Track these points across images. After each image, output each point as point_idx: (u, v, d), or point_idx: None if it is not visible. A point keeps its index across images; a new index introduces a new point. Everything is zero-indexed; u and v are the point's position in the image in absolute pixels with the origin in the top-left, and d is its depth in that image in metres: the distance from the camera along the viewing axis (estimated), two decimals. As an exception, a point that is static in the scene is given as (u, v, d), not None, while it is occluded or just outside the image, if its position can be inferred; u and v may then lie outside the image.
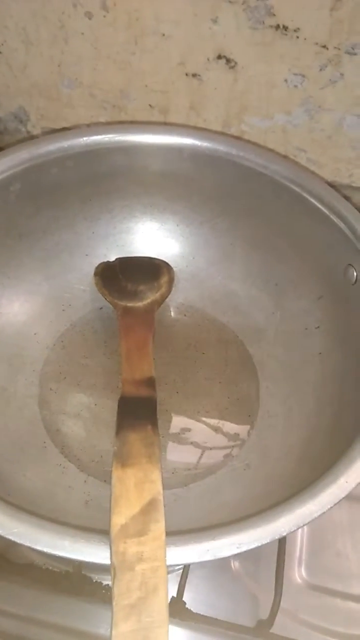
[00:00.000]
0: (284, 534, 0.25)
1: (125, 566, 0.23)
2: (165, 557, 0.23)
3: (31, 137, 0.55)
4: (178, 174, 0.45)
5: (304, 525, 0.25)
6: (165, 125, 0.45)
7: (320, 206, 0.40)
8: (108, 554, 0.24)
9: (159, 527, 0.24)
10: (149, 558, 0.23)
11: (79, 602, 0.36)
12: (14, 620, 0.36)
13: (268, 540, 0.24)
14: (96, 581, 0.36)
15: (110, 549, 0.24)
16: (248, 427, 0.40)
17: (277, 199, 0.42)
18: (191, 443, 0.39)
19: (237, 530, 0.25)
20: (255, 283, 0.46)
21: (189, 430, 0.40)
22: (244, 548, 0.24)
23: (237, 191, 0.44)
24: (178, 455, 0.38)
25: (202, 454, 0.39)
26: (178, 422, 0.40)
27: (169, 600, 0.34)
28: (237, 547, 0.24)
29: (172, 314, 0.47)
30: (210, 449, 0.39)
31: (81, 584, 0.36)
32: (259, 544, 0.24)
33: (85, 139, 0.43)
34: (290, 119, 0.49)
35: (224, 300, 0.47)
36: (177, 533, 0.25)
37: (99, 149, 0.43)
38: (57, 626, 0.35)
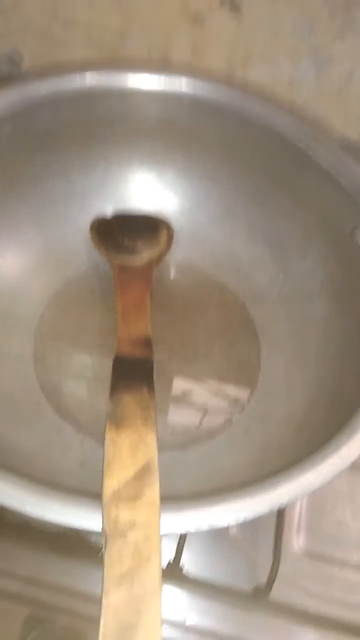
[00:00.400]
0: (284, 504, 0.23)
1: (117, 533, 0.22)
2: (159, 524, 0.22)
3: (24, 80, 0.52)
4: (178, 122, 0.42)
5: (304, 495, 0.23)
6: (165, 71, 0.42)
7: (325, 165, 0.38)
8: (99, 520, 0.23)
9: (153, 491, 0.23)
10: (142, 525, 0.22)
11: (75, 563, 0.35)
12: (10, 579, 0.35)
13: (267, 510, 0.23)
14: (94, 542, 0.36)
15: (102, 514, 0.23)
16: (248, 392, 0.39)
17: (281, 154, 0.40)
18: (191, 406, 0.38)
19: (236, 498, 0.24)
20: (258, 242, 0.44)
21: (188, 393, 0.39)
22: (242, 518, 0.23)
23: (240, 144, 0.42)
24: (177, 418, 0.37)
25: (202, 418, 0.37)
26: (177, 384, 0.39)
27: (165, 565, 0.34)
28: (235, 517, 0.23)
29: (171, 273, 0.45)
30: (210, 412, 0.38)
31: (78, 544, 0.36)
32: (258, 514, 0.23)
33: (79, 81, 0.40)
34: (297, 71, 0.46)
35: (225, 260, 0.45)
36: (173, 499, 0.24)
37: (94, 93, 0.40)
38: (55, 586, 0.34)
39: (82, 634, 0.33)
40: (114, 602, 0.20)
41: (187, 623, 0.33)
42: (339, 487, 0.38)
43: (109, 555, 0.21)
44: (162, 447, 0.34)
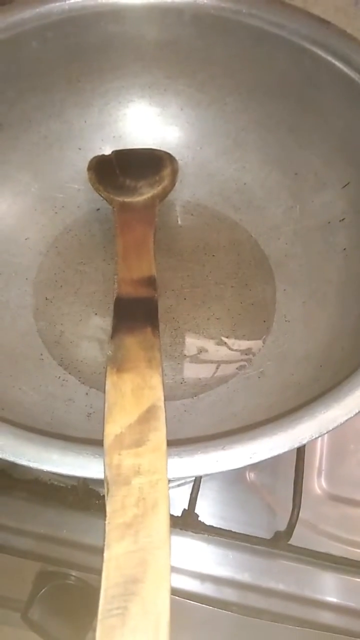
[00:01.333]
0: (304, 441, 0.21)
1: (121, 480, 0.20)
2: (166, 469, 0.20)
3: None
4: (179, 43, 0.38)
5: (327, 432, 0.21)
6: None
7: (350, 72, 0.33)
8: (101, 467, 0.21)
9: (158, 436, 0.21)
10: (148, 471, 0.20)
11: (86, 516, 0.35)
12: (22, 536, 0.35)
13: (286, 449, 0.21)
14: (103, 495, 0.35)
15: (104, 461, 0.21)
16: (263, 334, 0.36)
17: (296, 66, 0.36)
18: (202, 356, 0.36)
19: (251, 438, 0.22)
20: (271, 173, 0.40)
21: (198, 337, 0.36)
22: (257, 458, 0.21)
23: (249, 61, 0.38)
24: (190, 370, 0.35)
25: (215, 367, 0.35)
26: (187, 328, 0.37)
27: (180, 513, 0.32)
28: (250, 457, 0.21)
29: (178, 214, 0.42)
30: (223, 359, 0.35)
31: (88, 497, 0.35)
32: (275, 453, 0.21)
33: (67, 1, 0.36)
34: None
35: (236, 195, 0.41)
36: (181, 443, 0.22)
37: (84, 15, 0.37)
38: (65, 541, 0.34)
39: (93, 587, 0.32)
40: (116, 554, 0.18)
41: (205, 572, 0.32)
42: (358, 427, 0.36)
43: (112, 504, 0.19)
44: (172, 396, 0.33)
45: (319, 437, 0.21)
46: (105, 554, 0.18)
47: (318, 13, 0.42)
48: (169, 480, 0.21)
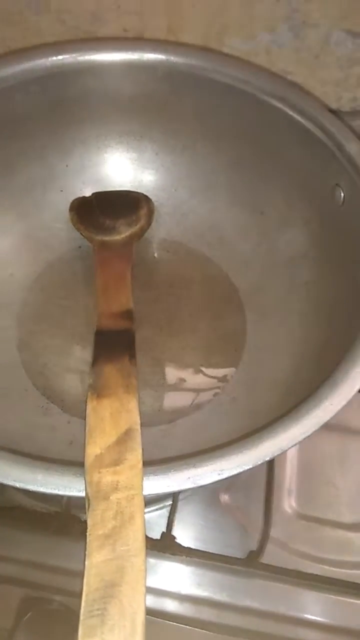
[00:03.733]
0: (267, 458, 0.23)
1: (100, 496, 0.22)
2: (141, 485, 0.22)
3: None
4: (154, 96, 0.42)
5: (287, 449, 0.23)
6: (136, 41, 0.41)
7: (304, 122, 0.37)
8: (83, 486, 0.22)
9: (135, 455, 0.23)
10: (125, 487, 0.22)
11: (68, 542, 0.35)
12: (6, 562, 0.35)
13: (251, 466, 0.23)
14: (85, 520, 0.36)
15: (85, 479, 0.22)
16: (235, 362, 0.38)
17: (261, 117, 0.39)
18: (180, 380, 0.38)
19: (219, 456, 0.24)
20: (240, 212, 0.43)
21: (175, 366, 0.38)
22: (225, 474, 0.23)
23: (218, 111, 0.41)
24: (168, 395, 0.37)
25: (191, 392, 0.37)
26: (162, 358, 0.39)
27: (159, 536, 0.34)
28: (219, 474, 0.23)
29: (155, 250, 0.45)
30: (199, 385, 0.38)
31: (70, 523, 0.36)
32: (241, 470, 0.23)
33: (50, 59, 0.39)
34: (274, 38, 0.45)
35: (208, 233, 0.45)
36: (156, 462, 0.24)
37: (65, 71, 0.40)
38: (49, 567, 0.35)
39: (77, 612, 0.33)
40: (96, 562, 0.20)
41: (183, 592, 0.33)
42: (328, 449, 0.38)
43: (92, 518, 0.21)
44: (150, 422, 0.35)
45: (280, 453, 0.24)
46: (86, 562, 0.20)
47: (282, 66, 0.47)
48: (147, 498, 0.23)
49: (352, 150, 0.35)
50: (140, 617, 0.19)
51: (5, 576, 0.35)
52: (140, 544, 0.20)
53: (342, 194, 0.35)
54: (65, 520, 0.35)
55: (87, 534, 0.21)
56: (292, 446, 0.24)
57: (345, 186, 0.35)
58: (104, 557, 0.20)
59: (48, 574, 0.34)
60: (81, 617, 0.18)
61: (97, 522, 0.21)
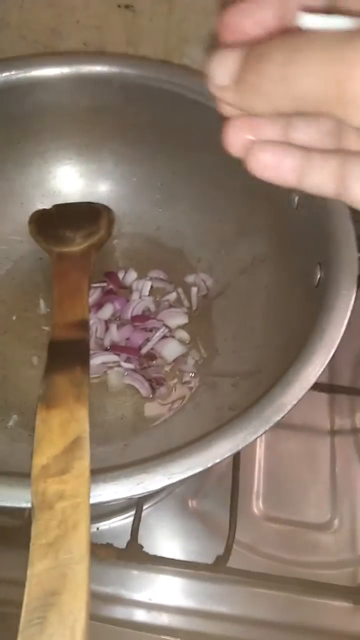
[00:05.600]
0: (217, 460, 0.23)
1: (45, 505, 0.21)
2: (88, 493, 0.22)
3: None
4: (110, 108, 0.42)
5: (239, 449, 0.23)
6: (89, 55, 0.42)
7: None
8: (30, 498, 0.22)
9: (82, 464, 0.23)
10: (70, 495, 0.22)
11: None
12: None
13: (201, 469, 0.23)
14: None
15: (31, 490, 0.22)
16: (199, 366, 0.39)
17: (214, 126, 0.39)
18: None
19: (169, 461, 0.24)
20: (200, 221, 0.44)
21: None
22: (175, 478, 0.23)
23: (173, 122, 0.42)
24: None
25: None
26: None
27: (125, 545, 0.33)
28: (169, 478, 0.23)
29: (118, 259, 0.45)
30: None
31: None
32: (191, 473, 0.23)
33: (3, 74, 0.39)
34: (232, 48, 0.46)
35: (171, 242, 0.45)
36: (106, 470, 0.24)
37: (19, 86, 0.40)
38: (9, 580, 0.34)
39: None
40: (38, 571, 0.20)
41: (151, 601, 0.33)
42: (295, 450, 0.38)
43: (36, 527, 0.21)
44: (114, 436, 0.35)
45: (230, 455, 0.24)
46: (28, 572, 0.20)
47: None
48: (110, 508, 0.23)
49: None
50: (81, 624, 0.18)
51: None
52: (83, 552, 0.20)
53: (296, 198, 0.36)
54: (29, 534, 0.35)
55: (31, 543, 0.20)
56: (244, 446, 0.24)
57: (298, 190, 0.35)
58: (46, 566, 0.20)
59: (14, 589, 0.33)
60: (21, 627, 0.18)
61: (41, 531, 0.21)
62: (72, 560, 0.20)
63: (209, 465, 0.24)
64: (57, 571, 0.20)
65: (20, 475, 0.24)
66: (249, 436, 0.24)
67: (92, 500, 0.23)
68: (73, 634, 0.18)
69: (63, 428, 0.25)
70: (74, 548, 0.20)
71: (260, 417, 0.25)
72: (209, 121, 0.40)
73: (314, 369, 0.27)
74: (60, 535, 0.20)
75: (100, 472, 0.24)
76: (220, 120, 0.38)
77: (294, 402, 0.26)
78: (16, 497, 0.23)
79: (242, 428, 0.25)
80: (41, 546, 0.20)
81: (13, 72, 0.39)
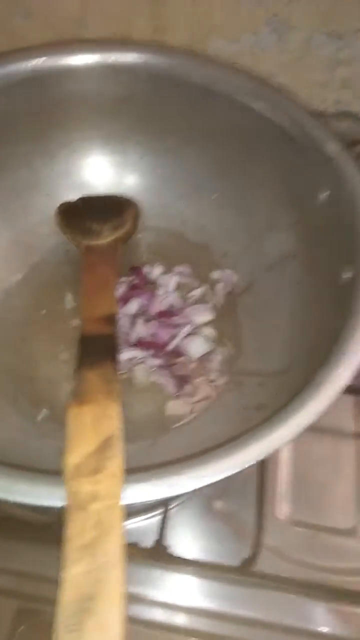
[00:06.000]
0: (251, 462, 0.23)
1: (79, 506, 0.21)
2: (121, 494, 0.22)
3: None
4: (136, 98, 0.41)
5: (271, 453, 0.23)
6: (117, 43, 0.41)
7: (285, 123, 0.37)
8: (64, 496, 0.22)
9: (115, 463, 0.23)
10: (105, 496, 0.21)
11: (60, 552, 0.35)
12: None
13: (233, 471, 0.23)
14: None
15: (65, 489, 0.22)
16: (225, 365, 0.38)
17: (244, 121, 0.39)
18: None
19: (201, 463, 0.23)
20: (228, 214, 0.43)
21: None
22: (207, 481, 0.22)
23: (202, 115, 0.41)
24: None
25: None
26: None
27: (151, 545, 0.33)
28: (201, 480, 0.22)
29: (144, 254, 0.44)
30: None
31: (61, 534, 0.35)
32: (223, 476, 0.22)
33: (31, 62, 0.39)
34: (258, 41, 0.45)
35: (196, 236, 0.44)
36: (138, 470, 0.23)
37: (46, 74, 0.39)
38: (42, 577, 0.34)
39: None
40: (73, 575, 0.19)
41: (176, 603, 0.33)
42: (321, 453, 0.37)
43: (70, 529, 0.20)
44: (140, 433, 0.34)
45: (265, 457, 0.23)
46: (63, 575, 0.19)
47: (267, 68, 0.47)
48: (135, 507, 0.22)
49: (332, 151, 0.35)
50: (118, 630, 0.18)
51: (-1, 588, 0.34)
52: (119, 555, 0.20)
53: (324, 194, 0.35)
54: (59, 530, 0.34)
55: (65, 545, 0.20)
56: (277, 449, 0.23)
57: (328, 186, 0.35)
58: (82, 569, 0.19)
59: (42, 585, 0.33)
60: (57, 633, 0.18)
61: (76, 533, 0.20)
62: (108, 564, 0.19)
63: (241, 468, 0.23)
64: (93, 575, 0.19)
65: (53, 472, 0.24)
66: (282, 439, 0.24)
67: (124, 502, 0.22)
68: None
69: (96, 425, 0.24)
70: (109, 551, 0.20)
71: (292, 420, 0.24)
72: (237, 113, 0.39)
73: (345, 370, 0.27)
74: (96, 537, 0.20)
75: (131, 472, 0.24)
76: (249, 115, 0.38)
77: (326, 404, 0.26)
78: (50, 496, 0.22)
79: (274, 430, 0.24)
80: (77, 548, 0.20)
81: (41, 60, 0.39)
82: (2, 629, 0.33)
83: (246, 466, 0.22)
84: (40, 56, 0.39)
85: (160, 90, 0.40)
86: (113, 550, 0.20)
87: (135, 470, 0.24)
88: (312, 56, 0.46)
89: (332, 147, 0.34)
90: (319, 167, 0.34)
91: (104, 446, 0.23)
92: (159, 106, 0.41)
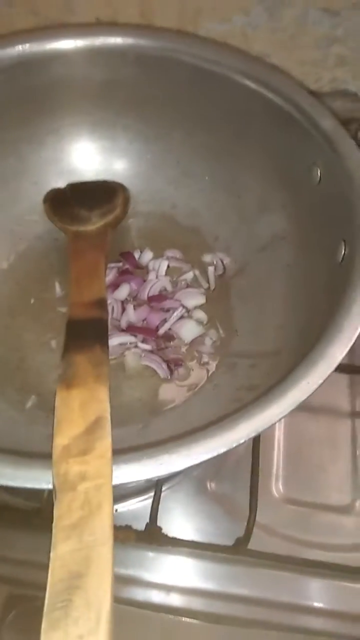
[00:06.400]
0: (241, 441, 0.23)
1: (67, 486, 0.21)
2: (110, 474, 0.21)
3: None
4: (125, 82, 0.41)
5: (263, 431, 0.23)
6: (104, 26, 0.40)
7: (279, 101, 0.36)
8: (51, 479, 0.22)
9: (104, 444, 0.23)
10: (93, 476, 0.21)
11: (50, 538, 0.35)
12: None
13: (224, 449, 0.23)
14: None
15: (52, 471, 0.22)
16: (217, 347, 0.38)
17: (236, 100, 0.38)
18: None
19: (192, 441, 0.23)
20: (218, 199, 0.43)
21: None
22: (198, 459, 0.22)
23: (190, 96, 0.40)
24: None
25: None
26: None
27: (144, 527, 0.33)
28: (192, 459, 0.22)
29: (134, 239, 0.44)
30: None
31: (51, 519, 0.35)
32: (215, 454, 0.22)
33: (16, 47, 0.38)
34: (249, 20, 0.44)
35: (187, 220, 0.44)
36: (128, 450, 0.23)
37: (33, 59, 0.39)
38: (32, 562, 0.34)
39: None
40: (62, 553, 0.19)
41: (170, 583, 0.33)
42: (316, 432, 0.37)
43: (58, 509, 0.20)
44: (131, 418, 0.34)
45: (255, 435, 0.23)
46: (51, 554, 0.19)
47: (259, 48, 0.46)
48: (128, 489, 0.22)
49: (327, 127, 0.34)
50: (106, 607, 0.18)
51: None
52: (107, 533, 0.20)
53: (319, 172, 0.34)
54: (48, 516, 0.34)
55: (53, 525, 0.20)
56: (268, 427, 0.23)
57: (322, 164, 0.34)
58: (70, 548, 0.19)
59: (32, 571, 0.34)
60: (45, 610, 0.18)
61: (63, 512, 0.20)
62: (97, 542, 0.19)
63: (233, 446, 0.23)
64: (81, 553, 0.19)
65: (41, 456, 0.24)
66: (274, 417, 0.24)
67: (114, 481, 0.22)
68: (98, 617, 0.18)
69: (84, 408, 0.24)
70: (97, 529, 0.20)
71: (284, 397, 0.24)
72: (229, 93, 0.38)
73: (339, 347, 0.26)
74: (83, 516, 0.20)
75: (121, 452, 0.24)
76: (241, 94, 0.37)
77: (320, 382, 0.25)
78: (37, 479, 0.22)
79: (266, 408, 0.24)
80: (64, 528, 0.20)
81: (27, 45, 0.38)
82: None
83: (237, 444, 0.22)
84: (26, 42, 0.38)
85: (149, 73, 0.40)
86: (101, 529, 0.20)
87: (126, 451, 0.24)
88: (306, 34, 0.45)
89: (328, 123, 0.33)
90: (314, 144, 0.34)
91: (93, 428, 0.23)
92: (148, 89, 0.41)
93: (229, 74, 0.38)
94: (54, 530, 0.20)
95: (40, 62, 0.39)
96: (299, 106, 0.35)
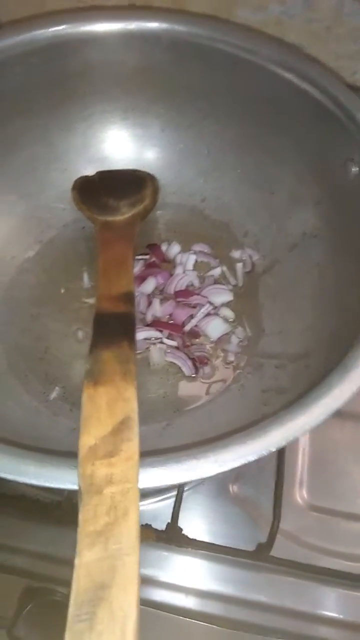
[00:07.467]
0: (273, 449, 0.22)
1: (93, 490, 0.20)
2: (137, 478, 0.21)
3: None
4: (158, 68, 0.40)
5: (294, 439, 0.22)
6: (138, 9, 0.39)
7: (315, 93, 0.35)
8: (77, 479, 0.21)
9: (131, 446, 0.22)
10: (120, 480, 0.21)
11: (70, 532, 0.34)
12: (7, 552, 0.35)
13: (254, 457, 0.22)
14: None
15: (78, 472, 0.21)
16: (244, 346, 0.37)
17: (269, 89, 0.37)
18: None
19: (221, 447, 0.22)
20: (249, 192, 0.41)
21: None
22: (227, 466, 0.21)
23: (225, 85, 0.39)
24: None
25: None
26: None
27: (165, 527, 0.33)
28: (220, 466, 0.21)
29: (161, 231, 0.43)
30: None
31: (73, 513, 0.35)
32: (244, 462, 0.22)
33: (50, 29, 0.37)
34: (285, 9, 0.43)
35: (215, 213, 0.43)
36: (155, 453, 0.23)
37: (67, 42, 0.38)
38: (50, 556, 0.34)
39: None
40: (87, 562, 0.19)
41: (188, 585, 0.32)
42: (341, 438, 0.36)
43: (84, 513, 0.20)
44: (155, 415, 0.33)
45: (286, 444, 0.22)
46: (75, 561, 0.19)
47: (293, 38, 0.44)
48: (147, 490, 0.21)
49: (368, 123, 0.33)
50: (131, 621, 0.17)
51: (7, 566, 0.34)
52: (133, 542, 0.19)
53: (355, 168, 0.33)
54: (68, 510, 0.34)
55: (78, 530, 0.19)
56: (300, 436, 0.22)
57: (358, 160, 0.33)
58: (95, 556, 0.19)
59: (50, 565, 0.33)
60: (68, 622, 0.17)
61: (89, 517, 0.20)
62: (122, 551, 0.19)
63: (263, 454, 0.22)
64: (107, 562, 0.19)
65: (65, 454, 0.23)
66: (306, 425, 0.23)
67: (140, 485, 0.21)
68: (124, 631, 0.17)
69: (111, 407, 0.24)
70: (124, 538, 0.19)
71: (317, 405, 0.23)
72: (264, 84, 0.37)
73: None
74: (109, 523, 0.19)
75: (147, 455, 0.23)
76: (277, 85, 0.36)
77: (354, 389, 0.24)
78: (61, 478, 0.22)
79: (297, 416, 0.23)
80: (90, 534, 0.19)
81: (61, 27, 0.37)
82: (11, 606, 0.33)
83: (270, 451, 0.21)
84: (60, 23, 0.37)
85: (183, 59, 0.39)
86: (127, 537, 0.19)
87: (151, 453, 0.23)
88: (342, 25, 0.43)
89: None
90: (351, 139, 0.33)
91: (120, 428, 0.23)
92: (182, 77, 0.40)
93: (266, 64, 0.37)
94: (79, 536, 0.19)
95: (74, 45, 0.38)
96: (336, 100, 0.34)
